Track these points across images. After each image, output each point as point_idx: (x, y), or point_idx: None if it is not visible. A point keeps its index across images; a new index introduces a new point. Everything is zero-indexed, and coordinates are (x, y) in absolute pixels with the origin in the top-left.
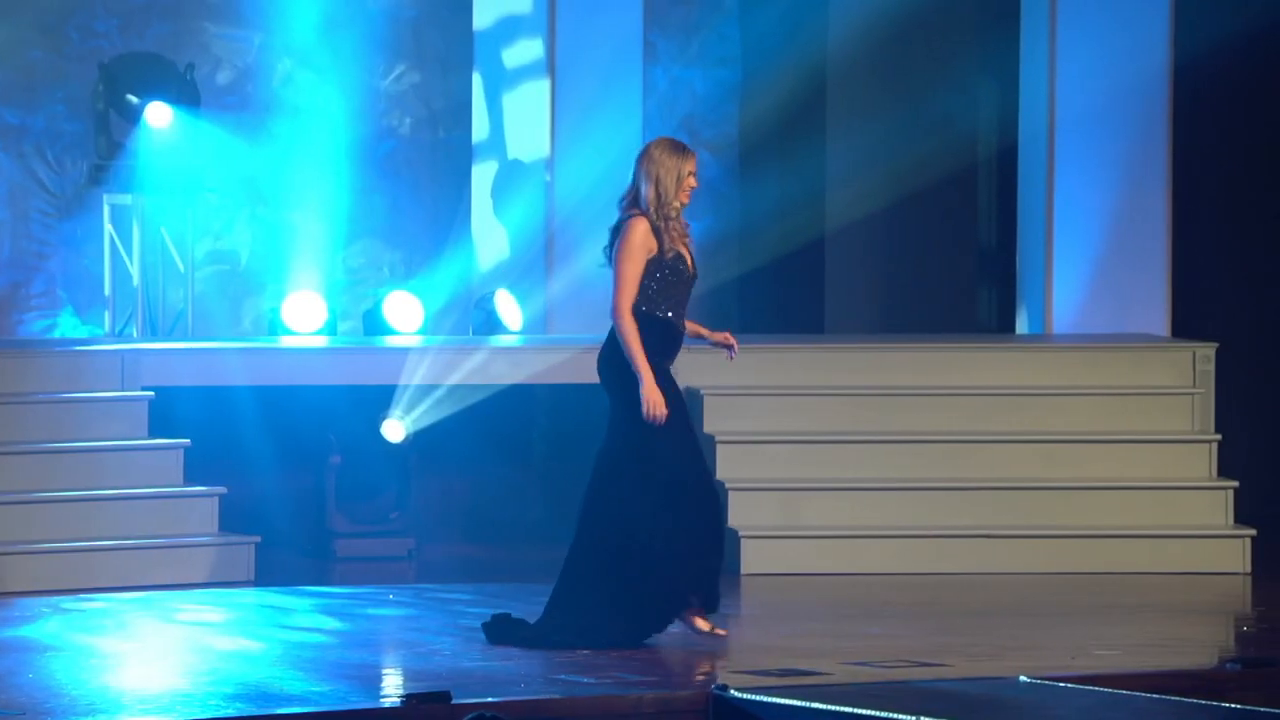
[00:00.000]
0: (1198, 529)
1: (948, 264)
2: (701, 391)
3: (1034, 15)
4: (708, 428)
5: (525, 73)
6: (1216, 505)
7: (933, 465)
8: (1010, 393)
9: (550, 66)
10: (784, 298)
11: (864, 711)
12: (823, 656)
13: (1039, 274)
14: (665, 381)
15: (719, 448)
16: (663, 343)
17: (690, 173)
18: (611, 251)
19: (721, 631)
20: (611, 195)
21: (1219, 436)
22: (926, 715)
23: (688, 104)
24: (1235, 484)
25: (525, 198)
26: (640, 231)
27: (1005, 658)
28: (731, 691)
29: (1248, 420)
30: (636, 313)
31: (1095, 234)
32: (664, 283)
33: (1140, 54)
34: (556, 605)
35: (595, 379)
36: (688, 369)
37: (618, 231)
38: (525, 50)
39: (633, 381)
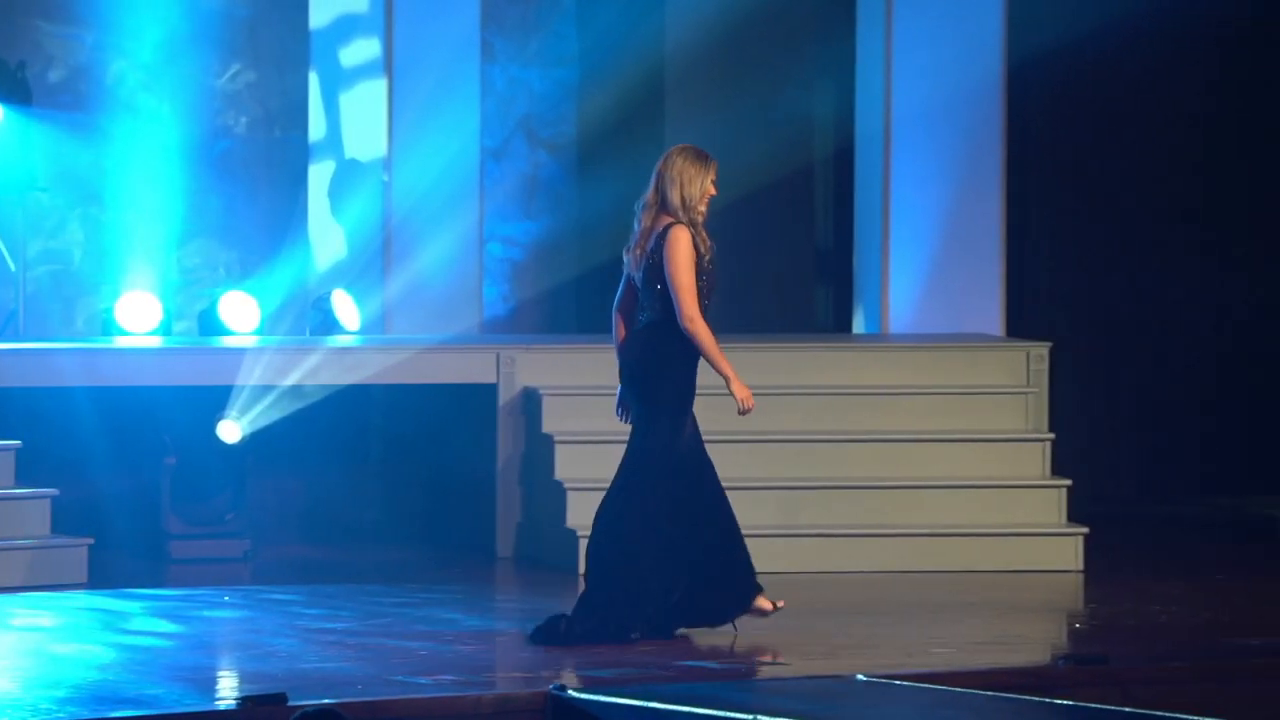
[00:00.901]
0: (1031, 527)
1: (785, 263)
2: (540, 391)
3: (870, 16)
4: (546, 428)
5: (362, 72)
6: (1050, 504)
7: (770, 465)
8: (847, 392)
9: (387, 66)
10: None
11: (701, 710)
12: (660, 655)
13: (875, 274)
14: (691, 380)
15: (558, 448)
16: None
17: (712, 181)
18: (650, 258)
19: (780, 603)
20: (449, 194)
21: (1053, 435)
22: (764, 714)
23: (525, 103)
24: (1069, 483)
25: (362, 197)
26: (688, 240)
27: (842, 656)
28: (569, 691)
29: (1081, 419)
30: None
31: (931, 234)
32: (702, 287)
33: (974, 55)
34: (591, 600)
35: (435, 379)
36: (524, 369)
37: (659, 239)
38: (362, 49)
39: (669, 385)
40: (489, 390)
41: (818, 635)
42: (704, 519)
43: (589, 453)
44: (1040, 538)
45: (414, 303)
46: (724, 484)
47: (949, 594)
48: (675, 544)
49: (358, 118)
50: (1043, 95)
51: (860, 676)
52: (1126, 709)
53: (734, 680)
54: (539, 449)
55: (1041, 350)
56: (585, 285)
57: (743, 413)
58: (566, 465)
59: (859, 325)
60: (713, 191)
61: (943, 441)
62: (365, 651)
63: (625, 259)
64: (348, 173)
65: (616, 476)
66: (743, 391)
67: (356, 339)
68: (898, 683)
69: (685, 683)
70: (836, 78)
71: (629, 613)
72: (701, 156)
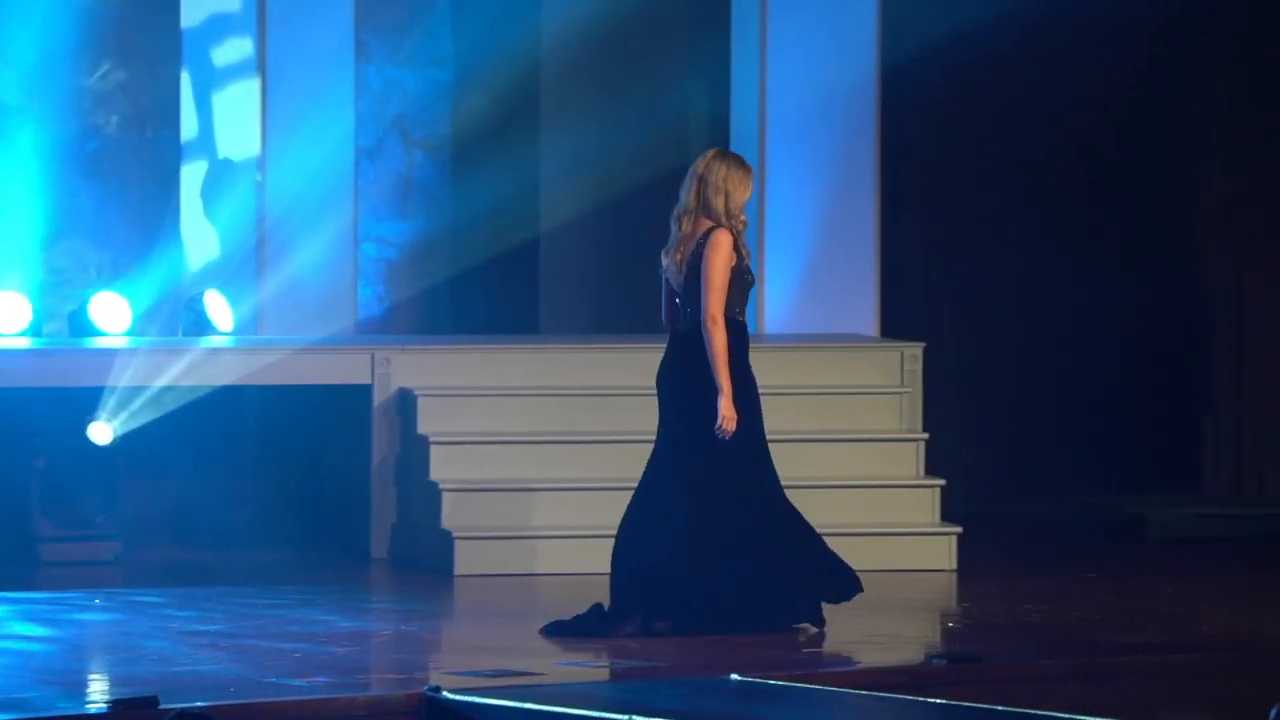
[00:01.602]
0: (905, 527)
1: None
2: (415, 392)
3: (744, 17)
4: (421, 428)
5: (235, 71)
6: (924, 503)
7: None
8: None
9: (260, 65)
10: (498, 298)
11: (576, 711)
12: (536, 657)
13: None
14: (747, 378)
15: (433, 449)
16: (743, 343)
17: (750, 190)
18: (692, 264)
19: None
20: (323, 195)
21: (926, 435)
22: (639, 714)
23: (400, 103)
24: (942, 482)
25: (235, 197)
26: (728, 243)
27: (717, 656)
28: (444, 693)
29: (954, 419)
30: (727, 321)
31: (806, 235)
32: (741, 289)
33: (849, 56)
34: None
35: (309, 380)
36: (399, 370)
37: (704, 241)
38: (235, 49)
39: (704, 386)
40: (364, 391)
41: (693, 636)
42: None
43: (464, 453)
44: (914, 537)
45: (288, 303)
46: (599, 484)
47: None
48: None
49: (230, 117)
50: (917, 95)
51: (735, 676)
52: (999, 707)
53: (609, 680)
54: (414, 450)
55: (915, 350)
56: (460, 286)
57: (718, 430)
58: (441, 466)
59: None
60: (748, 196)
61: (817, 441)
62: (238, 653)
63: (664, 263)
64: (220, 172)
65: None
66: (729, 411)
67: (229, 340)
68: (772, 683)
69: (561, 683)
70: (712, 78)
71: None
72: (744, 164)
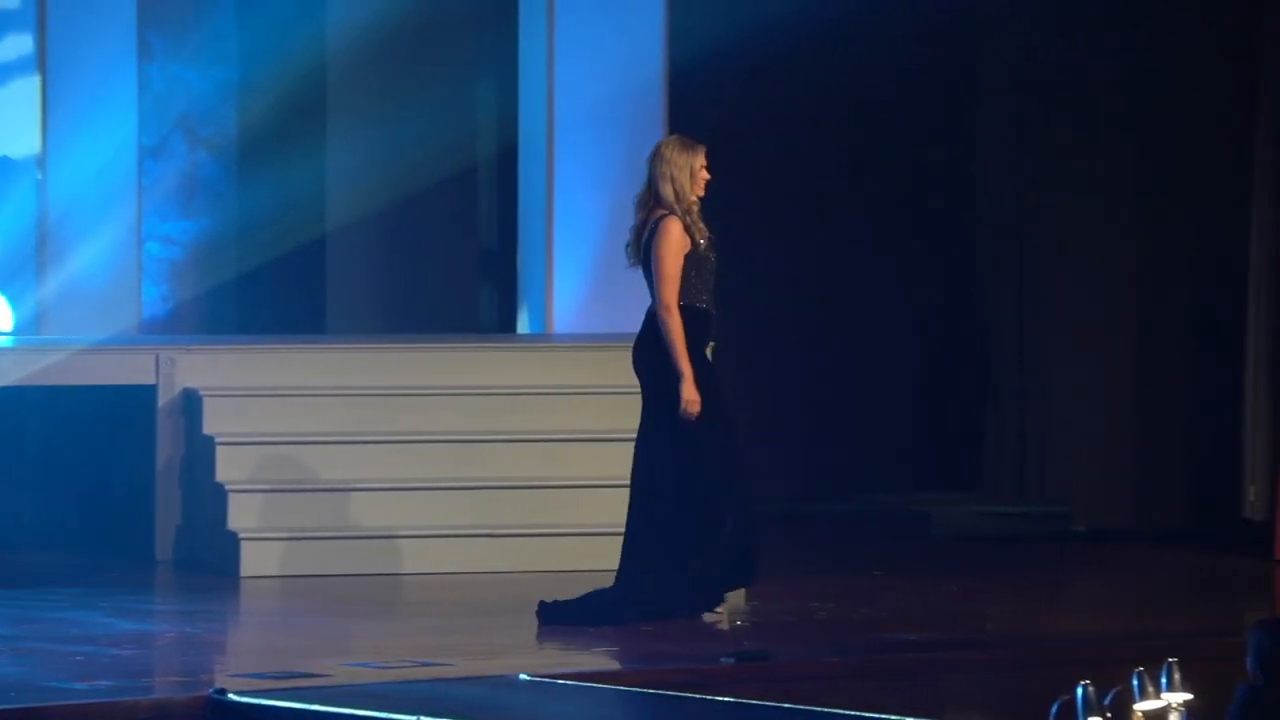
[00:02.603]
0: None
1: (449, 264)
2: (200, 392)
3: (532, 17)
4: (207, 429)
5: (14, 68)
6: None
7: (436, 465)
8: (512, 392)
9: (41, 62)
10: (284, 298)
11: (364, 713)
12: (323, 658)
13: (540, 274)
14: (705, 368)
15: (219, 450)
16: (703, 330)
17: (702, 166)
18: (645, 251)
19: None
20: (106, 193)
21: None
22: (427, 715)
23: (184, 102)
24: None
25: (16, 196)
26: (678, 230)
27: (507, 656)
28: (230, 695)
29: (744, 418)
30: (681, 307)
31: (595, 235)
32: (700, 274)
33: (637, 57)
34: (620, 581)
35: (92, 380)
36: (184, 370)
37: (651, 231)
38: (14, 45)
39: (669, 372)
40: (148, 392)
41: (482, 635)
42: (726, 493)
43: (251, 454)
44: None
45: (70, 303)
46: (387, 485)
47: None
48: (713, 516)
49: (10, 115)
50: (705, 95)
51: (524, 676)
52: (787, 705)
53: (397, 682)
54: (199, 451)
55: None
56: (246, 285)
57: (682, 414)
58: (228, 467)
59: (523, 326)
60: (706, 175)
61: (608, 441)
62: (18, 657)
63: (626, 256)
64: (0, 171)
65: (641, 470)
66: (691, 395)
67: (10, 340)
68: (561, 682)
69: (349, 684)
70: (500, 78)
71: (673, 595)
72: (687, 144)
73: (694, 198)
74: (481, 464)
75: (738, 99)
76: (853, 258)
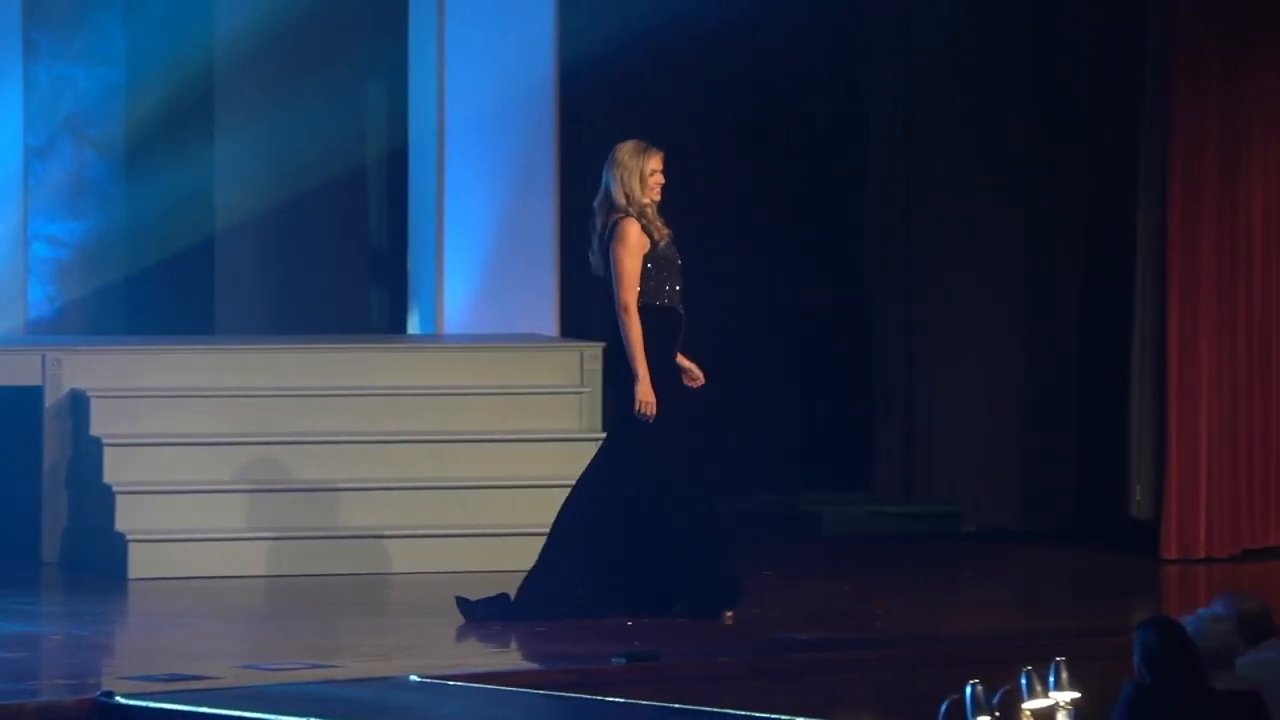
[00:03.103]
0: None
1: (339, 265)
2: (88, 393)
3: (422, 18)
4: (94, 430)
5: None
6: None
7: (327, 466)
8: (403, 393)
9: None
10: (173, 298)
11: (252, 715)
12: (212, 660)
13: (430, 275)
14: (669, 369)
15: (106, 451)
16: (670, 330)
17: (654, 170)
18: (605, 253)
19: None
20: None
21: (606, 435)
22: (316, 717)
23: (70, 102)
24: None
25: None
26: (635, 230)
27: (397, 657)
28: (118, 698)
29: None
30: (641, 305)
31: (486, 236)
32: (661, 272)
33: (527, 58)
34: (548, 576)
35: None
36: (72, 371)
37: (610, 233)
38: None
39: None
40: (35, 393)
41: (373, 637)
42: (687, 509)
43: (138, 455)
44: None
45: None
46: (282, 486)
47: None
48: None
49: None
50: (597, 96)
51: (414, 677)
52: (677, 705)
53: (286, 683)
54: (87, 452)
55: (595, 350)
56: (134, 286)
57: (638, 413)
58: (116, 468)
59: (414, 326)
60: (659, 179)
61: (499, 442)
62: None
63: (591, 261)
64: None
65: (601, 461)
66: (646, 395)
67: None
68: (451, 683)
69: (240, 685)
70: (390, 79)
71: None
72: (641, 148)
73: (646, 201)
74: (373, 465)
75: (628, 100)
76: (742, 259)
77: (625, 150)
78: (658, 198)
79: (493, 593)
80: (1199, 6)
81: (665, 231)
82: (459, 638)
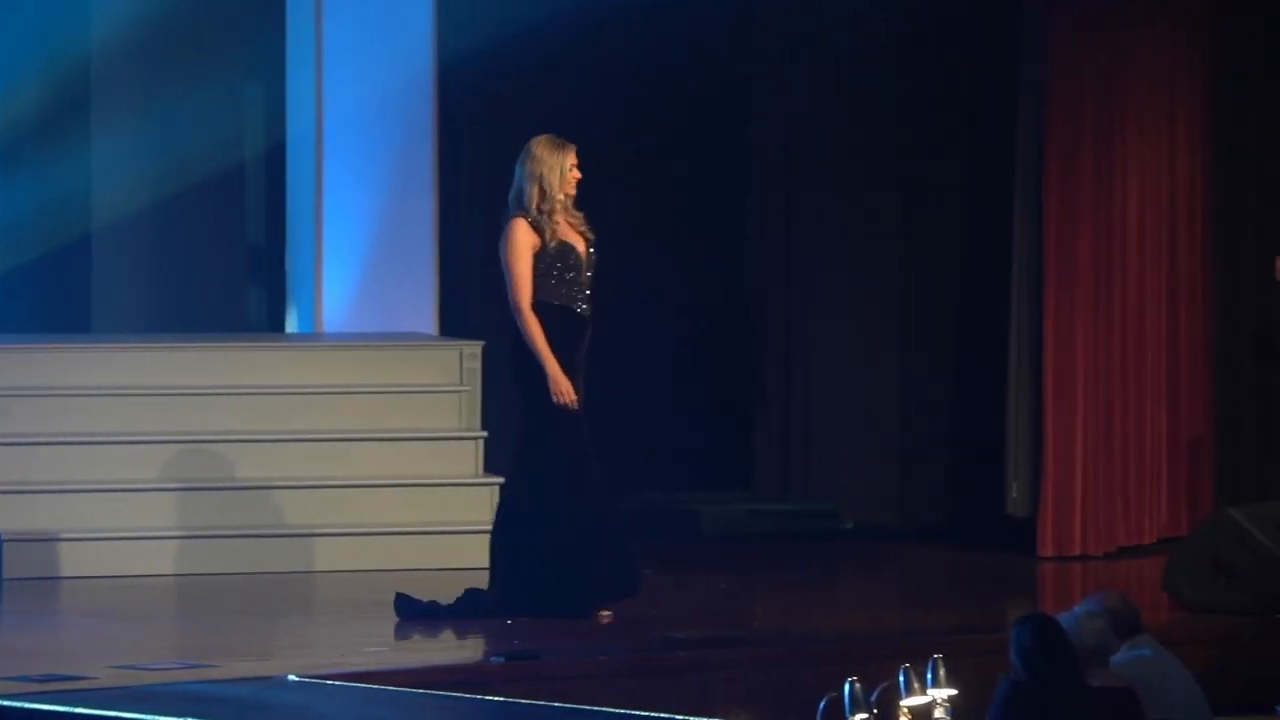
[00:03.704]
0: (466, 525)
1: (216, 263)
2: None
3: (299, 15)
4: None
5: None
6: (483, 501)
7: (205, 466)
8: (282, 392)
9: None
10: (49, 297)
11: (130, 715)
12: (89, 660)
13: (309, 273)
14: (570, 371)
15: None
16: (570, 332)
17: (572, 165)
18: (501, 251)
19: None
20: None
21: (486, 434)
22: (194, 717)
23: None
24: (501, 480)
25: None
26: (522, 230)
27: (275, 657)
28: None
29: (513, 417)
30: (539, 305)
31: (365, 234)
32: (562, 272)
33: (406, 56)
34: (495, 580)
35: None
36: None
37: (502, 234)
38: None
39: (539, 373)
40: None
41: (252, 637)
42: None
43: (14, 454)
44: (475, 535)
45: None
46: (159, 486)
47: (383, 592)
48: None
49: None
50: (477, 93)
51: (292, 677)
52: (556, 704)
53: (164, 684)
54: None
55: (475, 349)
56: (8, 284)
57: (556, 400)
58: None
59: (292, 325)
60: (576, 175)
61: (377, 441)
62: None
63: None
64: None
65: (512, 467)
66: (562, 387)
67: None
68: (330, 683)
69: (116, 685)
70: (267, 76)
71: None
72: (558, 143)
73: (562, 195)
74: (252, 464)
75: (508, 96)
76: (624, 256)
77: (544, 145)
78: (573, 192)
79: (380, 592)
80: (1075, 15)
81: (579, 231)
82: (339, 637)
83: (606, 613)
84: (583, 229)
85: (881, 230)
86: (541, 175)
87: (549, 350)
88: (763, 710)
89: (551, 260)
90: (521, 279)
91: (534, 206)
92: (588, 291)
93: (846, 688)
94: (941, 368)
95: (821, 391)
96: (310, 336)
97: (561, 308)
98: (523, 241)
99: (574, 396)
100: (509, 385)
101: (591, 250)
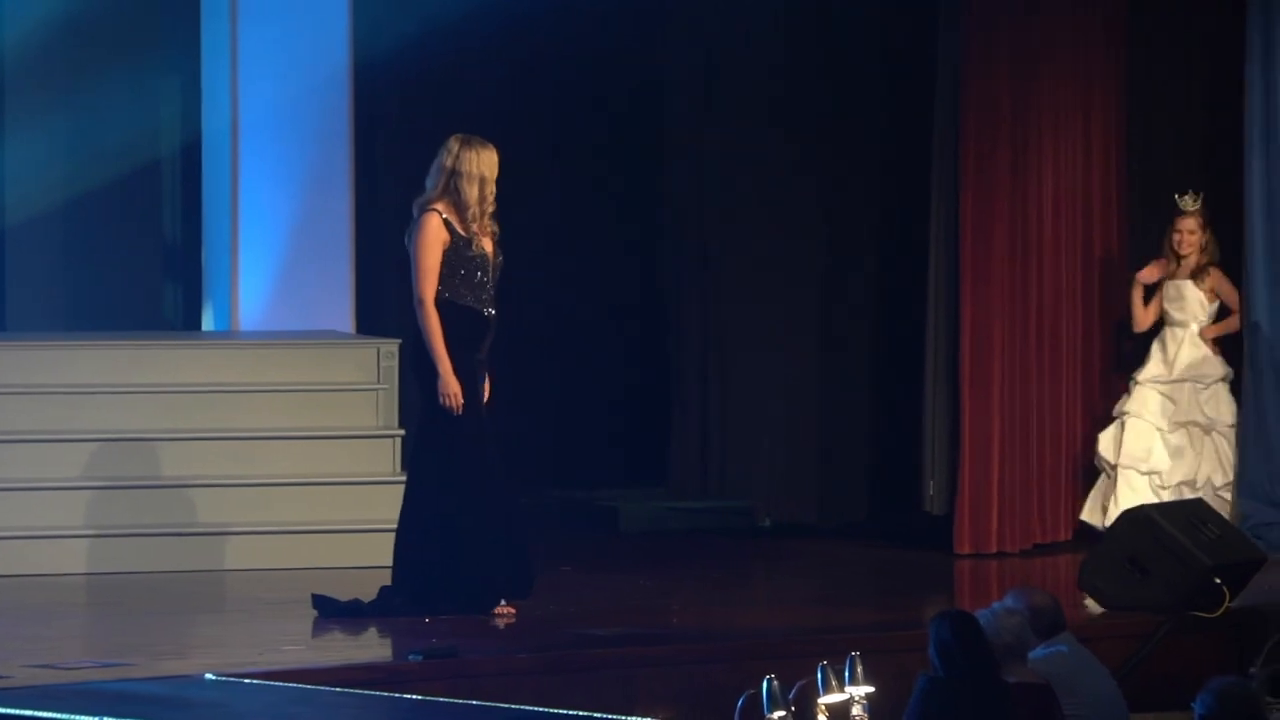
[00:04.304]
0: (383, 523)
1: (131, 260)
2: None
3: (214, 14)
4: None
5: None
6: (400, 499)
7: (119, 463)
8: (197, 389)
9: None
10: None
11: (45, 714)
12: (3, 660)
13: (225, 271)
14: (468, 373)
15: None
16: (471, 331)
17: (494, 168)
18: (409, 243)
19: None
20: None
21: (403, 431)
22: (111, 716)
23: None
24: None
25: None
26: (434, 224)
27: (192, 656)
28: None
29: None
30: (443, 303)
31: (281, 232)
32: (469, 272)
33: (322, 55)
34: (397, 577)
35: None
36: None
37: (411, 225)
38: None
39: (435, 368)
40: None
41: (166, 635)
42: (487, 502)
43: None
44: (393, 533)
45: None
46: (69, 484)
47: (300, 591)
48: (478, 516)
49: None
50: (391, 91)
51: (209, 675)
52: (474, 702)
53: (79, 683)
54: None
55: (392, 347)
56: None
57: (443, 402)
58: None
59: (208, 323)
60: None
61: (294, 439)
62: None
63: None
64: None
65: (410, 464)
66: (448, 388)
67: None
68: (247, 681)
69: (30, 685)
70: (183, 74)
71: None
72: (481, 144)
73: (485, 197)
74: (167, 462)
75: (424, 95)
76: (542, 253)
77: (465, 144)
78: (492, 195)
79: (298, 590)
80: (990, 16)
81: (488, 233)
82: (257, 635)
83: (505, 610)
84: (492, 229)
85: (800, 225)
86: (465, 171)
87: (443, 348)
88: (682, 708)
89: (460, 259)
90: (428, 273)
91: (472, 202)
92: (493, 292)
93: (765, 685)
94: (858, 366)
95: (739, 390)
96: (226, 334)
97: (466, 308)
98: (434, 236)
99: (460, 400)
100: (409, 377)
101: (499, 255)
